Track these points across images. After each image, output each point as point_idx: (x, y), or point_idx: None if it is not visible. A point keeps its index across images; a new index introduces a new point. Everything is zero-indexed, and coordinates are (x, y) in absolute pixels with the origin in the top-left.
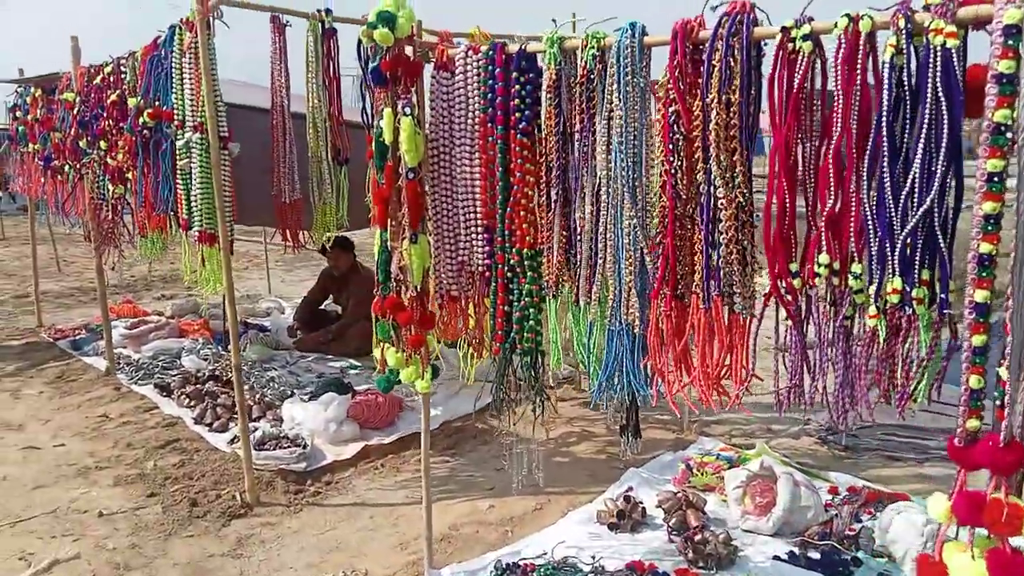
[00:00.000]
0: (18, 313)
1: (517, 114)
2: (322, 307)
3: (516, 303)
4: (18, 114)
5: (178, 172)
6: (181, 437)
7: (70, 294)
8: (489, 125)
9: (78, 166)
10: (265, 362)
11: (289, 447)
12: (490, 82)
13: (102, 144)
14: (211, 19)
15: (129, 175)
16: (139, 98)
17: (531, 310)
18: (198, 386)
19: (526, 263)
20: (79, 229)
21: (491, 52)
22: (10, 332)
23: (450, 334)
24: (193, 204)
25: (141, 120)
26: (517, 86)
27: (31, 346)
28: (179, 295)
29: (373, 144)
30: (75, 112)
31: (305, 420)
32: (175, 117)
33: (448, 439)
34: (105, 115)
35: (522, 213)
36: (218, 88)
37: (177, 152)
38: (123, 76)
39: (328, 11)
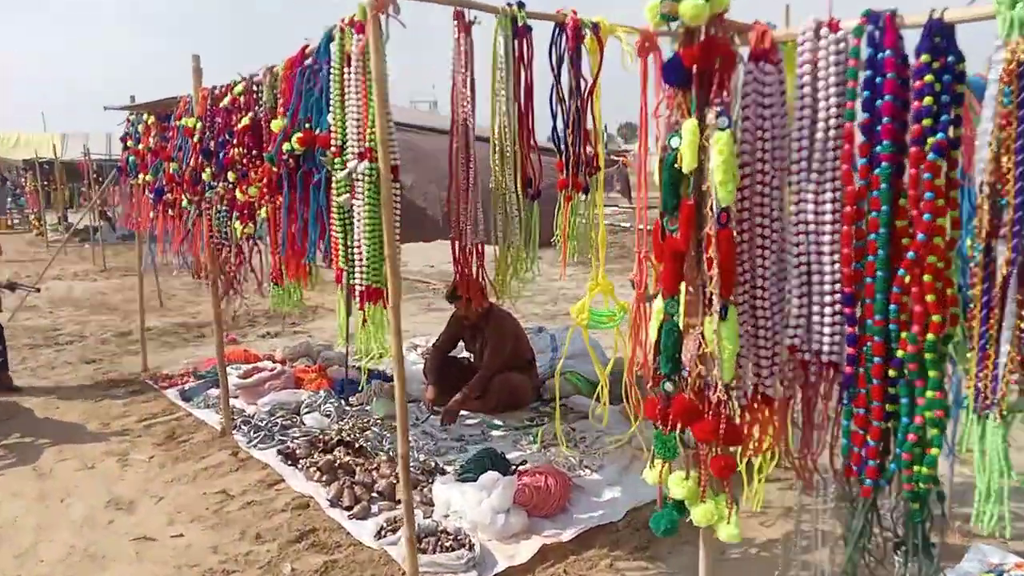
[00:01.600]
0: (121, 353)
1: (926, 121)
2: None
3: (906, 418)
4: (129, 143)
5: (333, 210)
6: (318, 526)
7: (173, 331)
8: (862, 141)
9: (197, 200)
10: (393, 417)
11: (451, 545)
12: (868, 73)
13: (230, 176)
14: (384, 18)
15: (263, 212)
16: (285, 120)
17: (933, 432)
18: (328, 456)
19: (928, 357)
20: (186, 268)
21: (869, 28)
22: (114, 376)
23: (755, 450)
24: (354, 251)
25: (287, 147)
26: (929, 76)
27: (136, 394)
28: (283, 332)
29: (661, 174)
30: (196, 140)
31: (465, 509)
32: (332, 142)
33: (638, 535)
34: (235, 142)
35: (927, 278)
36: (389, 105)
37: (334, 186)
38: (258, 96)
39: (521, 4)
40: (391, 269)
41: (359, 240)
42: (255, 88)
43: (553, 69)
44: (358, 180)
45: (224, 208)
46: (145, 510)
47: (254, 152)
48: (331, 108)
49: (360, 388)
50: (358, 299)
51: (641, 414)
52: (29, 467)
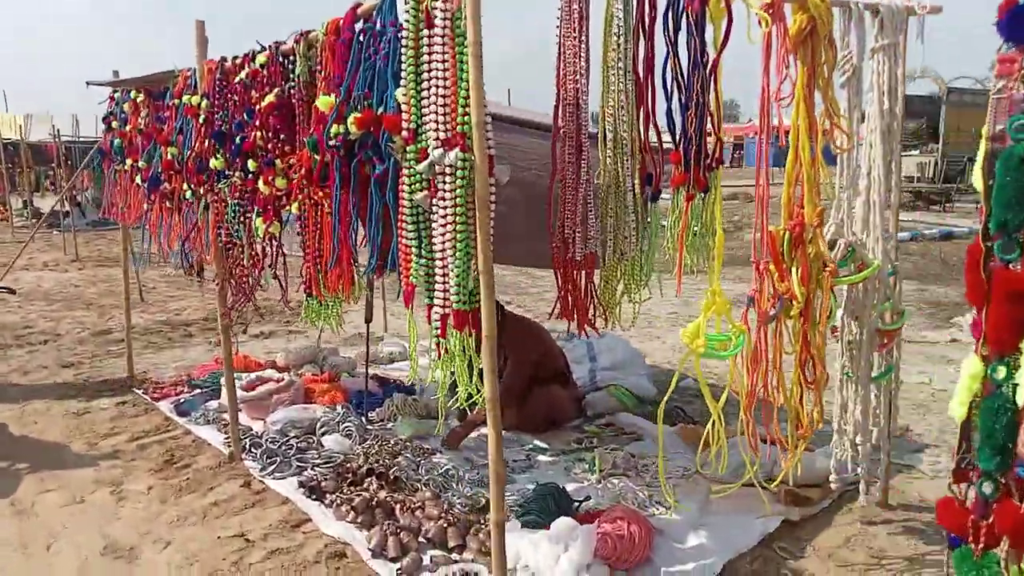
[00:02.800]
0: (102, 355)
1: None
2: None
3: None
4: (114, 124)
5: (404, 211)
6: None
7: (157, 330)
8: None
9: (201, 192)
10: (421, 439)
11: None
12: None
13: (249, 164)
14: None
15: (293, 208)
16: (335, 97)
17: None
18: (361, 491)
19: None
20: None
21: None
22: (97, 385)
23: None
24: (435, 263)
25: (336, 130)
26: None
27: (125, 405)
28: (278, 331)
29: (990, 174)
30: (201, 121)
31: (540, 566)
32: (404, 125)
33: None
34: (257, 124)
35: None
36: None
37: (406, 180)
38: (285, 69)
39: None
40: (485, 288)
41: (443, 250)
42: (281, 59)
43: (669, 38)
44: (443, 174)
45: (239, 202)
46: (150, 558)
47: (282, 136)
48: (403, 82)
49: (380, 402)
50: (438, 325)
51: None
52: (6, 501)
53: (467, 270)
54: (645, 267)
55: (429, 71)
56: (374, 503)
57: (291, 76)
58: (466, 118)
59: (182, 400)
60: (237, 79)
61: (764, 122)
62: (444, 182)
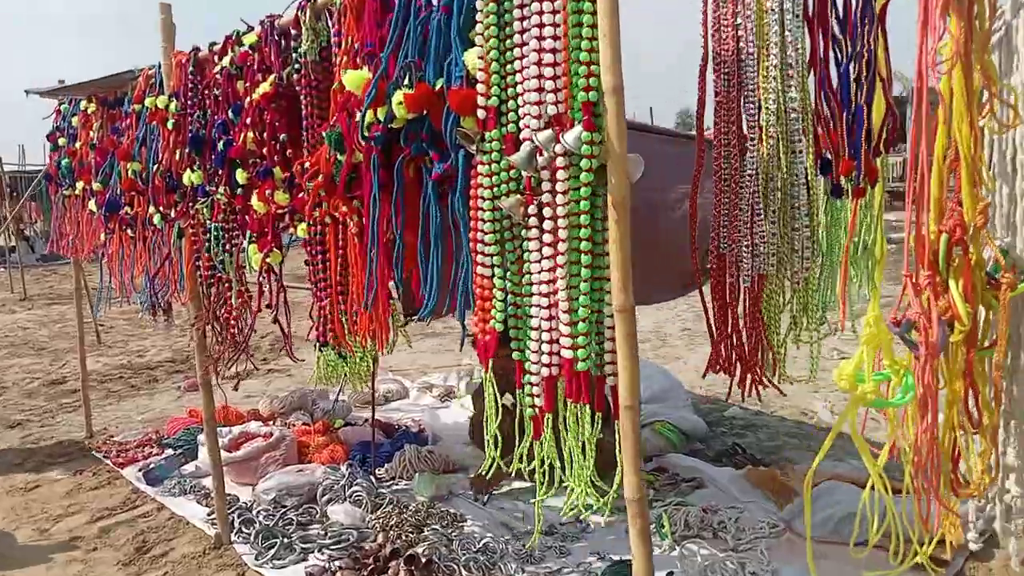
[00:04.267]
0: (55, 409)
1: None
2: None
3: None
4: (60, 141)
5: (482, 225)
6: None
7: (118, 375)
8: None
9: (173, 215)
10: (443, 499)
11: None
12: None
13: (238, 175)
14: None
15: (301, 230)
16: (372, 71)
17: None
18: None
19: None
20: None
21: None
22: (49, 449)
23: None
24: (533, 302)
25: (372, 117)
26: None
27: (83, 478)
28: (255, 372)
29: None
30: (170, 126)
31: None
32: (481, 103)
33: None
34: (247, 122)
35: None
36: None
37: (486, 180)
38: (285, 49)
39: None
40: (625, 337)
41: (550, 281)
42: (278, 38)
43: None
44: (549, 168)
45: (222, 225)
46: None
47: (282, 137)
48: (478, 40)
49: (389, 455)
50: (541, 392)
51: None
52: None
53: (595, 310)
54: (820, 290)
55: (524, 20)
56: None
57: (292, 58)
58: (592, 80)
59: (152, 465)
60: (218, 68)
61: (920, 90)
62: (551, 179)
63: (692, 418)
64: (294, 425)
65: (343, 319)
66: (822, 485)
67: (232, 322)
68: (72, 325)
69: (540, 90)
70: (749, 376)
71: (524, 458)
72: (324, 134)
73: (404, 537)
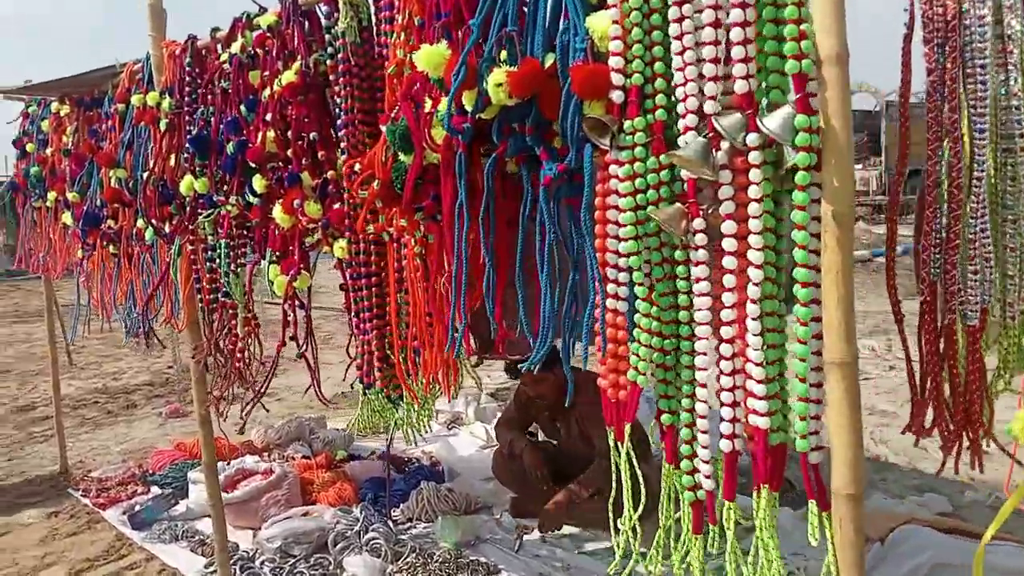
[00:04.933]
0: (24, 439)
1: None
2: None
3: None
4: (29, 147)
5: (619, 243)
6: None
7: (93, 400)
8: None
9: (168, 230)
10: (469, 545)
11: None
12: None
13: (256, 183)
14: None
15: (338, 249)
16: (452, 47)
17: None
18: None
19: None
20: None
21: None
22: (20, 484)
23: None
24: (693, 347)
25: (454, 104)
26: None
27: (58, 521)
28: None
29: None
30: (163, 128)
31: None
32: (622, 81)
33: None
34: (266, 119)
35: None
36: None
37: (624, 183)
38: (311, 35)
39: None
40: (844, 401)
41: (736, 321)
42: (302, 19)
43: None
44: (737, 167)
45: (229, 242)
46: None
47: (312, 136)
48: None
49: (404, 493)
50: (715, 473)
51: None
52: None
53: (806, 361)
54: None
55: None
56: None
57: (332, 33)
58: (804, 44)
59: (137, 507)
60: (225, 57)
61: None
62: (735, 182)
63: None
64: (293, 458)
65: (402, 358)
66: (900, 530)
67: (238, 354)
68: (40, 345)
69: (715, 60)
70: (965, 438)
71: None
72: (385, 129)
73: None
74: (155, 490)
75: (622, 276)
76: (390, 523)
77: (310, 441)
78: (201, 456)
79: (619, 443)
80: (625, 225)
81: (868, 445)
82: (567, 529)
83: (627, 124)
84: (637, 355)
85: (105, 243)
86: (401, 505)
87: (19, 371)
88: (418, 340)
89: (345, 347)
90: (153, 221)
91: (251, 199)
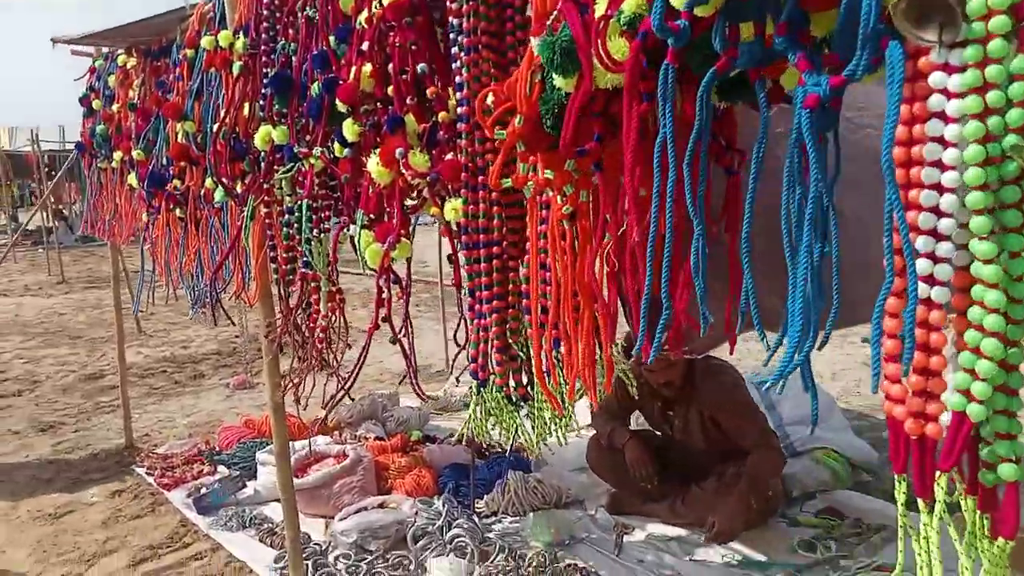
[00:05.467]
0: (91, 410)
1: None
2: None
3: None
4: (95, 103)
5: (947, 198)
6: None
7: (160, 370)
8: None
9: (239, 190)
10: (562, 545)
11: None
12: None
13: (348, 129)
14: None
15: (450, 210)
16: None
17: None
18: None
19: None
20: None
21: None
22: (85, 461)
23: None
24: None
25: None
26: None
27: (122, 501)
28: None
29: None
30: (237, 71)
31: None
32: None
33: None
34: (363, 48)
35: None
36: None
37: (970, 103)
38: None
39: None
40: None
41: None
42: None
43: None
44: None
45: (311, 203)
46: None
47: (420, 68)
48: None
49: (488, 483)
50: None
51: None
52: None
53: None
54: None
55: None
56: None
57: None
58: None
59: (203, 489)
60: None
61: None
62: None
63: (858, 443)
64: (366, 439)
65: (555, 354)
66: None
67: (319, 334)
68: (109, 309)
69: None
70: None
71: None
72: (536, 43)
73: None
74: (222, 471)
75: (944, 249)
76: (475, 518)
77: (383, 420)
78: (272, 437)
79: (923, 501)
80: (962, 168)
81: None
82: (673, 531)
83: (975, 3)
84: (972, 371)
85: (171, 206)
86: (485, 497)
87: (89, 337)
88: (559, 329)
89: (453, 336)
90: (223, 180)
91: (340, 150)
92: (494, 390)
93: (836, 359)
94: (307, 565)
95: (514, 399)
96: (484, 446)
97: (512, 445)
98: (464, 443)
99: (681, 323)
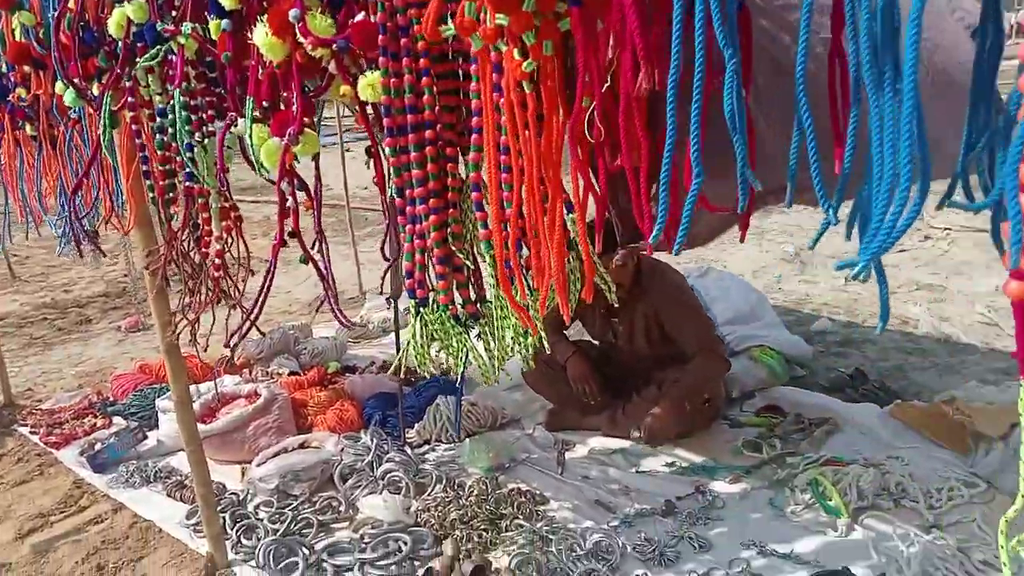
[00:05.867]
0: None
1: None
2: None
3: None
4: None
5: None
6: None
7: (40, 317)
8: None
9: (96, 91)
10: (503, 469)
11: None
12: None
13: None
14: None
15: (362, 90)
16: None
17: None
18: None
19: None
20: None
21: None
22: None
23: None
24: None
25: None
26: None
27: (3, 462)
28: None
29: None
30: None
31: None
32: None
33: None
34: None
35: None
36: None
37: None
38: None
39: None
40: None
41: None
42: None
43: None
44: None
45: (187, 99)
46: None
47: None
48: None
49: (417, 411)
50: None
51: None
52: None
53: None
54: None
55: None
56: None
57: None
58: None
59: (97, 446)
60: None
61: None
62: None
63: (792, 338)
64: (279, 375)
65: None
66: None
67: (214, 259)
68: None
69: None
70: None
71: None
72: None
73: (478, 539)
74: (118, 423)
75: None
76: (407, 450)
77: (297, 354)
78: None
79: None
80: None
81: (930, 325)
82: (616, 443)
83: None
84: None
85: (19, 122)
86: (416, 426)
87: None
88: (528, 227)
89: (381, 247)
90: (74, 81)
91: (216, 25)
92: (438, 309)
93: (755, 256)
94: (224, 518)
95: (462, 318)
96: (410, 372)
97: (463, 371)
98: (389, 371)
99: (697, 206)
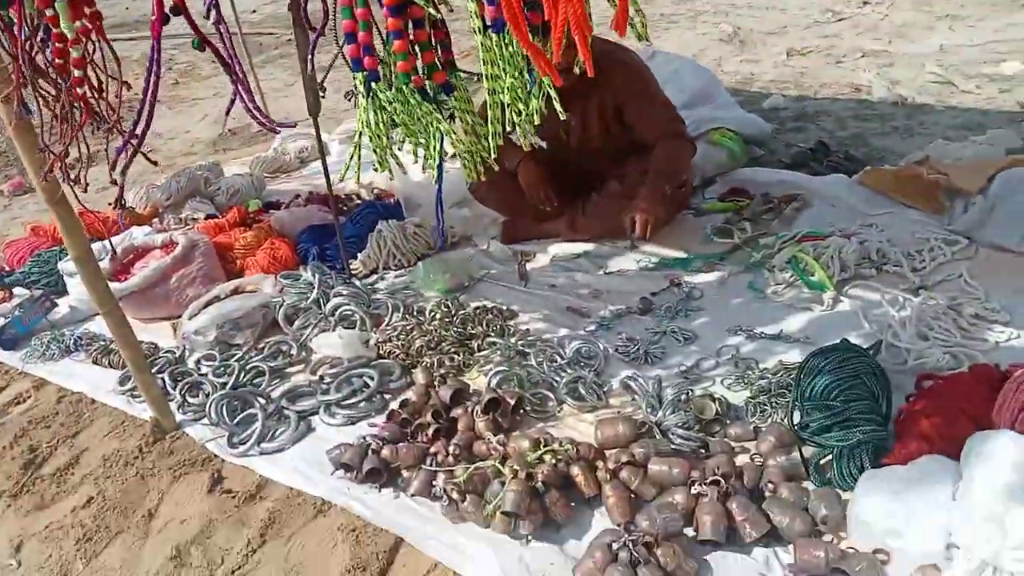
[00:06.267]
0: None
1: None
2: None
3: None
4: None
5: None
6: None
7: None
8: None
9: None
10: (462, 289)
11: None
12: None
13: None
14: None
15: None
16: None
17: None
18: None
19: None
20: None
21: None
22: None
23: None
24: None
25: None
26: None
27: None
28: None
29: None
30: None
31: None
32: None
33: None
34: None
35: None
36: None
37: None
38: None
39: None
40: None
41: None
42: None
43: None
44: None
45: None
46: None
47: None
48: None
49: (358, 241)
50: None
51: None
52: None
53: None
54: None
55: None
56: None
57: None
58: None
59: (1, 321)
60: None
61: None
62: None
63: (750, 116)
64: (194, 220)
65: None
66: (1003, 177)
67: (75, 72)
68: None
69: None
70: None
71: None
72: None
73: (449, 363)
74: (20, 293)
75: None
76: (355, 281)
77: (211, 195)
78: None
79: None
80: None
81: (883, 89)
82: (579, 247)
83: None
84: None
85: None
86: (359, 255)
87: None
88: None
89: None
90: None
91: None
92: (395, 80)
93: (691, 40)
94: (163, 379)
95: (431, 92)
96: (341, 199)
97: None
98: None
99: None
